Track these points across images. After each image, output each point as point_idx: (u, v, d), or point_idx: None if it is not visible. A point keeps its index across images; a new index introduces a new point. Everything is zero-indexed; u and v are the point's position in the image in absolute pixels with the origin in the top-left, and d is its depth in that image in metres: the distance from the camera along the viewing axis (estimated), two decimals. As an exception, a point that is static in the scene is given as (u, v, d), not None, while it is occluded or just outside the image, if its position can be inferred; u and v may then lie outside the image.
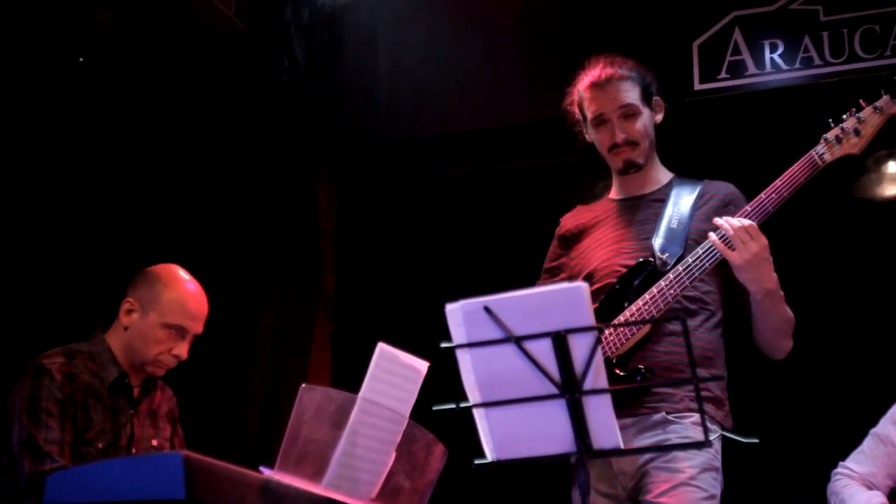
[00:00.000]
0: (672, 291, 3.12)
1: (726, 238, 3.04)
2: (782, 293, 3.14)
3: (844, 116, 3.16)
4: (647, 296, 3.15)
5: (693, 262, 3.12)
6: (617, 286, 3.26)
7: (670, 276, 3.13)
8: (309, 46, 5.43)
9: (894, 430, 3.59)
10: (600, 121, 3.37)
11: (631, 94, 3.34)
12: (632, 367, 3.13)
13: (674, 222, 3.26)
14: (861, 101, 3.16)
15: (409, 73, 5.33)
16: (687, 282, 3.12)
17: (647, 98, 3.38)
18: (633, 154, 3.35)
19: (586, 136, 3.49)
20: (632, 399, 3.14)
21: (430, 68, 5.30)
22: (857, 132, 3.12)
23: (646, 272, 3.22)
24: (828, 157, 3.12)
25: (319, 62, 5.47)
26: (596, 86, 3.36)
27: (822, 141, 3.14)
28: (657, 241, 3.26)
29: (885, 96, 3.13)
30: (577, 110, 3.49)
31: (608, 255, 3.34)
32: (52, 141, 4.57)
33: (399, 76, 5.36)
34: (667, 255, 3.21)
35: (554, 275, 3.53)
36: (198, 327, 3.38)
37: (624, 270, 3.27)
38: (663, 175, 3.46)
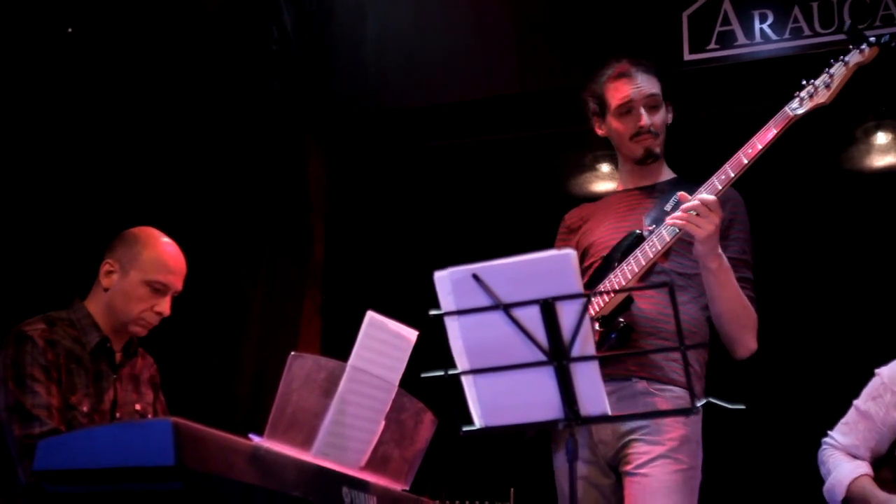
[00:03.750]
0: (644, 254, 3.19)
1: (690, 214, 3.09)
2: (732, 270, 3.19)
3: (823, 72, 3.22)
4: (630, 259, 3.22)
5: (665, 227, 3.17)
6: (606, 256, 3.33)
7: (652, 238, 3.20)
8: (298, 16, 5.39)
9: (873, 405, 3.64)
10: (627, 108, 3.42)
11: (656, 87, 3.44)
12: (614, 323, 3.19)
13: (668, 206, 3.30)
14: (831, 59, 3.22)
15: (398, 43, 5.31)
16: (658, 245, 3.17)
17: (664, 97, 3.48)
18: (654, 143, 3.43)
19: (598, 131, 3.55)
20: (610, 358, 3.17)
21: (420, 39, 5.29)
22: (826, 85, 3.18)
23: (631, 242, 3.28)
24: (800, 111, 3.17)
25: (309, 32, 5.44)
26: (624, 75, 3.44)
27: (795, 98, 3.19)
28: (648, 218, 3.32)
29: (852, 49, 3.19)
30: (592, 103, 3.53)
31: (605, 233, 3.42)
32: (40, 113, 4.55)
33: (388, 47, 5.34)
34: (654, 227, 3.25)
35: None
36: (178, 283, 3.40)
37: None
38: (667, 174, 3.53)
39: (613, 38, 4.88)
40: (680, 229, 3.11)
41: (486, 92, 5.19)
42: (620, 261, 3.26)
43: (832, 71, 3.17)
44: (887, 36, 3.17)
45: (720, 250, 3.13)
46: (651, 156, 3.44)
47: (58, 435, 2.66)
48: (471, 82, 5.21)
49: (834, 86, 3.16)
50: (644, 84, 3.42)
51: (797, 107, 3.17)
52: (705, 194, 3.10)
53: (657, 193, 3.43)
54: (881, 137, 5.36)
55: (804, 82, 3.20)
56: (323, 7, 5.45)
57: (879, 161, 5.43)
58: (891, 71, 4.64)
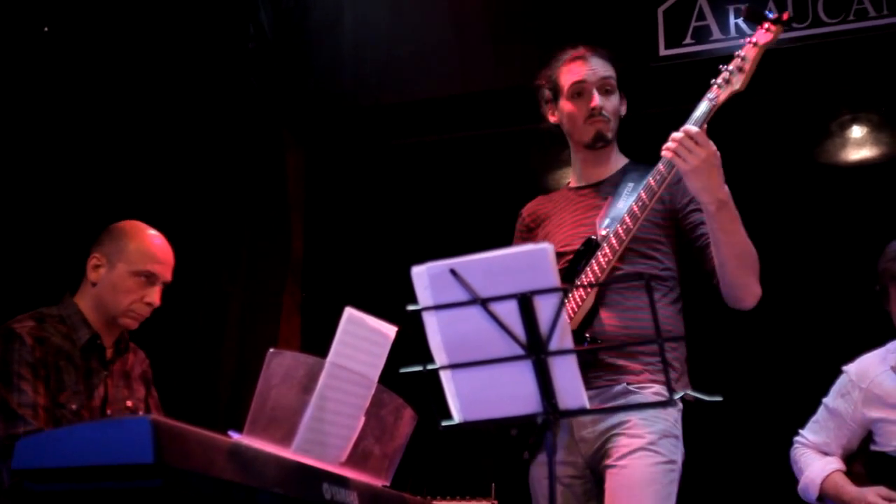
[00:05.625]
0: (603, 258, 3.18)
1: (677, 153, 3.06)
2: (738, 214, 3.14)
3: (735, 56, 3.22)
4: (593, 262, 3.21)
5: (633, 204, 3.18)
6: (567, 267, 3.31)
7: (605, 243, 3.20)
8: (275, 13, 5.40)
9: (842, 402, 3.68)
10: (579, 90, 3.39)
11: (611, 72, 3.43)
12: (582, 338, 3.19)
13: (619, 203, 3.31)
14: (742, 40, 3.23)
15: (375, 40, 5.32)
16: (631, 225, 3.16)
17: (619, 85, 3.45)
18: (605, 126, 3.38)
19: (551, 118, 3.51)
20: (591, 367, 3.16)
21: (397, 35, 5.29)
22: (740, 70, 3.17)
23: (589, 249, 3.28)
24: (717, 101, 3.16)
25: (286, 29, 5.44)
26: (578, 58, 3.42)
27: (712, 86, 3.18)
28: (601, 221, 3.32)
29: (757, 30, 3.20)
30: (546, 90, 3.50)
31: (563, 239, 3.38)
32: (24, 111, 4.54)
33: (366, 43, 5.35)
34: (608, 231, 3.25)
35: None
36: (166, 273, 3.40)
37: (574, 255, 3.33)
38: (619, 161, 3.49)
39: (589, 34, 4.88)
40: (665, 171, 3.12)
41: (462, 88, 5.20)
42: (582, 270, 3.24)
43: (743, 53, 3.17)
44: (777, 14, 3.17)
45: (721, 193, 3.06)
46: (602, 139, 3.39)
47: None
48: (447, 78, 5.22)
49: (746, 69, 3.15)
50: (598, 67, 3.39)
51: (714, 96, 3.15)
52: (690, 126, 3.06)
53: (609, 187, 3.40)
54: (856, 131, 5.39)
55: (721, 67, 3.19)
56: (300, 4, 5.45)
57: (854, 155, 5.46)
58: (873, 66, 4.69)
